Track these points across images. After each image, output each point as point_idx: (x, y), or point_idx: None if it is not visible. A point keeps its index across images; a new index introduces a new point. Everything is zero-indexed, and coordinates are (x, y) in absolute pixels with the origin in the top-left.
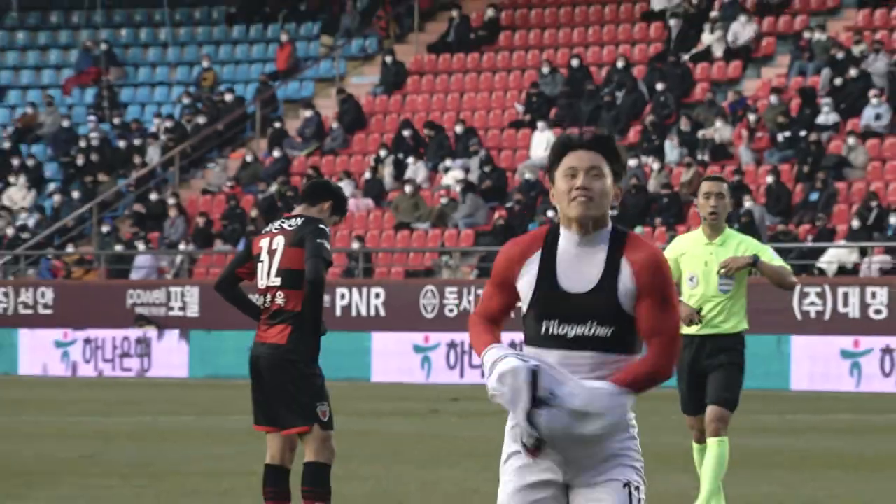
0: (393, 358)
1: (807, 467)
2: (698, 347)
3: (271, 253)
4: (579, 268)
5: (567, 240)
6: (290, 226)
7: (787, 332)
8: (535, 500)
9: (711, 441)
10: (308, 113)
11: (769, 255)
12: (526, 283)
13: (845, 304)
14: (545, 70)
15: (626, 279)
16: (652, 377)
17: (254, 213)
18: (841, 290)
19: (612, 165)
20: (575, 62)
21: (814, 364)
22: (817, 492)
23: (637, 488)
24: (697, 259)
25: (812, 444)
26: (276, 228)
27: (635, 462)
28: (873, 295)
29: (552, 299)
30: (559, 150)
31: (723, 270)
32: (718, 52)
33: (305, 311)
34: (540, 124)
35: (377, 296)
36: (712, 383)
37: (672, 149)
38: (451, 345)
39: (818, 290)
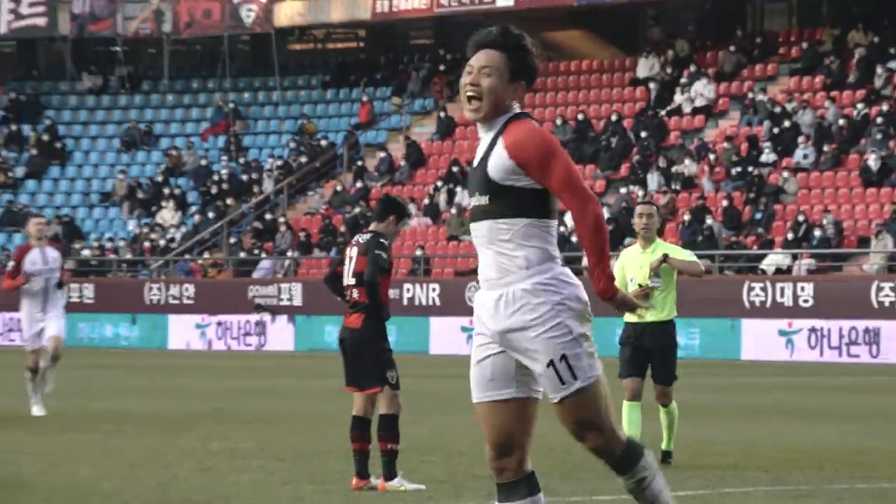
0: (446, 336)
1: (752, 417)
2: (640, 331)
3: (350, 259)
4: (479, 151)
5: (477, 127)
6: (362, 240)
7: (738, 317)
8: None
9: (663, 410)
10: (382, 154)
11: (686, 255)
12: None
13: (781, 295)
14: (558, 122)
15: (498, 155)
16: (593, 229)
17: (342, 228)
18: (778, 285)
19: (512, 64)
20: (580, 116)
21: (758, 340)
22: (759, 436)
23: None
24: (635, 264)
25: (756, 399)
26: (354, 241)
27: None
28: (802, 289)
29: (469, 177)
30: (470, 48)
31: (650, 271)
32: (687, 108)
33: (370, 303)
34: None
35: (434, 290)
36: (655, 367)
37: (653, 180)
38: None
39: (761, 285)
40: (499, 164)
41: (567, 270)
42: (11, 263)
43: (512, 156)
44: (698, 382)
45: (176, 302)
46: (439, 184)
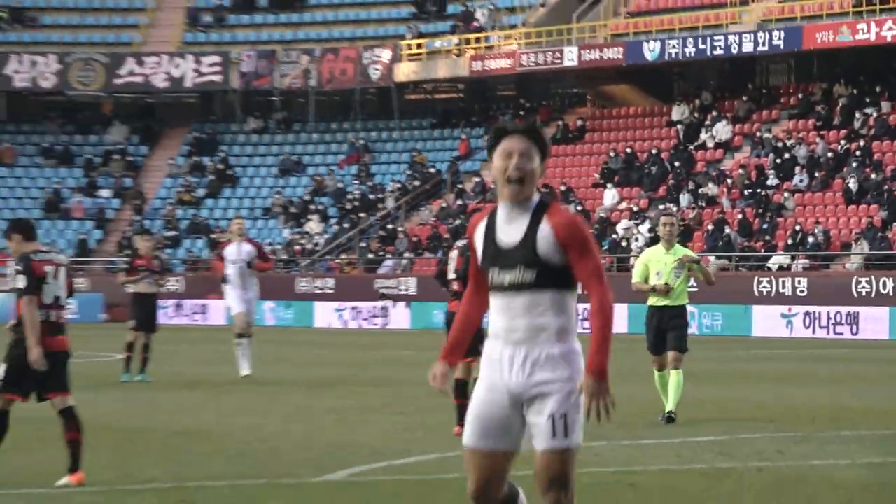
0: None
1: (760, 381)
2: (661, 313)
3: (451, 259)
4: (510, 228)
5: (503, 207)
6: (460, 244)
7: (750, 304)
8: None
9: (673, 372)
10: (476, 179)
11: (698, 263)
12: (476, 244)
13: (783, 287)
14: (611, 154)
15: (546, 234)
16: (608, 317)
17: (446, 235)
18: (780, 279)
19: (540, 151)
20: (628, 150)
21: (765, 322)
22: (766, 395)
23: None
24: (660, 262)
25: (763, 367)
26: (454, 246)
27: None
28: (798, 282)
29: (493, 252)
30: (497, 134)
31: (682, 259)
32: (710, 144)
33: (461, 293)
34: (609, 186)
35: None
36: (670, 338)
37: (684, 199)
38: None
39: (767, 279)
40: (547, 242)
41: (579, 346)
42: (218, 253)
43: (559, 235)
44: (720, 354)
45: (320, 291)
46: None
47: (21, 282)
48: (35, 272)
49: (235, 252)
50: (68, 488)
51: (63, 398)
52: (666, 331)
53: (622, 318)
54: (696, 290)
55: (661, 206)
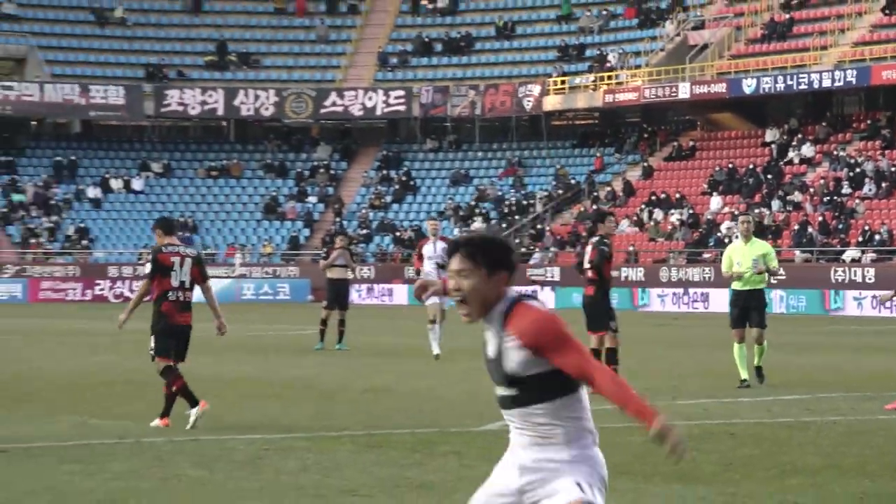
0: (648, 299)
1: (835, 352)
2: (745, 295)
3: (586, 253)
4: (488, 341)
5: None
6: (593, 241)
7: (829, 289)
8: None
9: (757, 347)
10: (608, 188)
11: (772, 255)
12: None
13: (854, 275)
14: (716, 168)
15: (512, 349)
16: (614, 390)
17: (583, 234)
18: (853, 269)
19: (484, 260)
20: (730, 165)
21: (840, 303)
22: (841, 365)
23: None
24: (739, 253)
25: (839, 340)
26: (589, 241)
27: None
28: (867, 271)
29: (487, 366)
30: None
31: (759, 268)
32: (796, 161)
33: (599, 279)
34: (714, 194)
35: (640, 271)
36: (753, 318)
37: (775, 205)
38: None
39: (842, 269)
40: (515, 358)
41: (598, 452)
42: (417, 251)
43: (527, 343)
44: (803, 330)
45: None
46: (643, 206)
47: (147, 268)
48: (161, 262)
49: (432, 249)
50: (188, 429)
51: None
52: (748, 310)
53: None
54: (784, 277)
55: (762, 212)
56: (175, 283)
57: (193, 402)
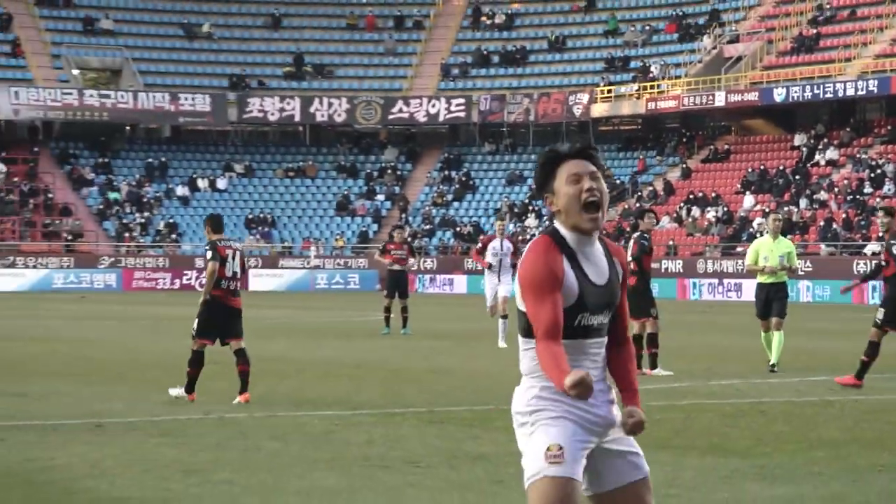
0: (688, 289)
1: (857, 337)
2: (769, 288)
3: (629, 246)
4: (595, 264)
5: (576, 241)
6: (635, 236)
7: (850, 280)
8: None
9: (776, 333)
10: (650, 188)
11: (794, 254)
12: (569, 282)
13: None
14: (749, 170)
15: (619, 272)
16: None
17: (627, 229)
18: (872, 261)
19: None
20: (762, 167)
21: (863, 293)
22: (863, 348)
23: None
24: (767, 248)
25: (861, 326)
26: (631, 236)
27: None
28: (886, 263)
29: (589, 293)
30: (553, 159)
31: (784, 266)
32: (822, 163)
33: (640, 270)
34: (747, 193)
35: (679, 263)
36: (775, 307)
37: (803, 203)
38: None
39: (864, 261)
40: (620, 280)
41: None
42: (479, 245)
43: (626, 273)
44: (828, 317)
45: None
46: (681, 204)
47: (209, 254)
48: (219, 253)
49: (498, 246)
50: (266, 409)
51: (237, 342)
52: (772, 301)
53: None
54: (810, 269)
55: (790, 209)
56: (229, 273)
57: (190, 389)
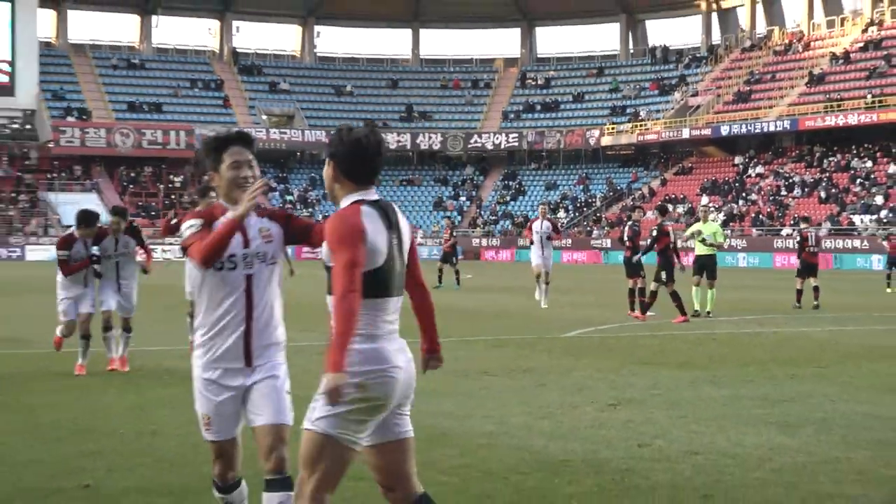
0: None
1: (782, 291)
2: (704, 257)
3: (625, 230)
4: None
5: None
6: (629, 223)
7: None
8: None
9: (710, 292)
10: (640, 192)
11: (720, 232)
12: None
13: (788, 244)
14: (705, 179)
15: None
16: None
17: (624, 219)
18: (787, 241)
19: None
20: (713, 178)
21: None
22: (786, 297)
23: None
24: (700, 227)
25: (782, 283)
26: (626, 223)
27: None
28: (793, 242)
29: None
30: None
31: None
32: (753, 175)
33: (633, 246)
34: (704, 195)
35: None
36: (709, 272)
37: (741, 201)
38: None
39: (780, 240)
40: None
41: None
42: (528, 225)
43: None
44: (756, 277)
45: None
46: (660, 202)
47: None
48: None
49: (539, 225)
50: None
51: None
52: (705, 266)
53: None
54: (745, 245)
55: (715, 206)
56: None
57: None
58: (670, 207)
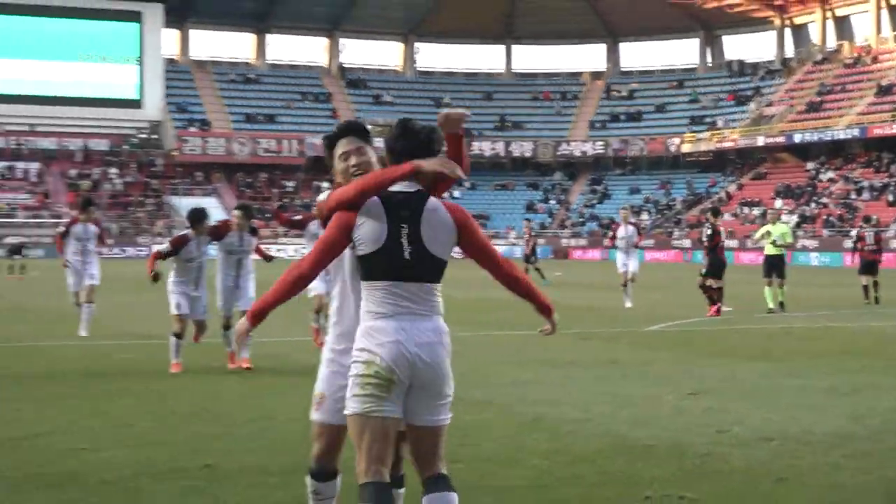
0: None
1: (853, 286)
2: (772, 257)
3: (704, 230)
4: None
5: None
6: (707, 224)
7: None
8: None
9: (779, 290)
10: (717, 195)
11: (788, 233)
12: None
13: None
14: (779, 184)
15: None
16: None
17: (704, 220)
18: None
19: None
20: (787, 182)
21: None
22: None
23: None
24: (770, 228)
25: (851, 279)
26: (706, 224)
27: None
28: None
29: None
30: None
31: (780, 243)
32: (824, 179)
33: (712, 246)
34: (778, 199)
35: (733, 243)
36: (778, 271)
37: (812, 204)
38: None
39: (849, 241)
40: None
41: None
42: (611, 234)
43: None
44: (827, 274)
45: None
46: (737, 206)
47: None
48: None
49: (623, 231)
50: None
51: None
52: (773, 266)
53: None
54: (817, 244)
55: (788, 209)
56: None
57: None
58: (745, 209)
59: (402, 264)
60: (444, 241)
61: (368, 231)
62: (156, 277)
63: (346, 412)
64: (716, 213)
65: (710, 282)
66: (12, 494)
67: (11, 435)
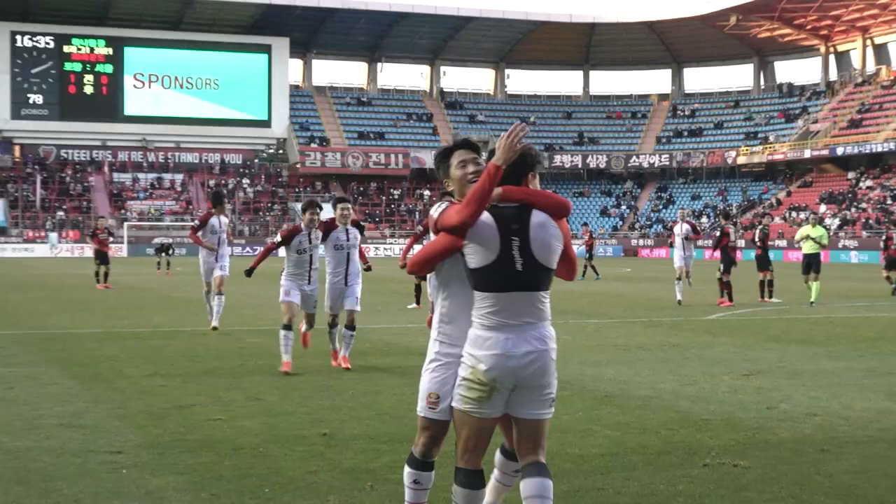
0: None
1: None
2: (809, 256)
3: (757, 231)
4: None
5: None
6: (759, 227)
7: None
8: None
9: (814, 284)
10: (769, 201)
11: (825, 235)
12: None
13: None
14: (823, 191)
15: None
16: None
17: (757, 223)
18: None
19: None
20: (830, 190)
21: None
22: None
23: None
24: (808, 230)
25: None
26: (759, 226)
27: None
28: None
29: None
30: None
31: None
32: (864, 187)
33: (763, 245)
34: (822, 205)
35: (782, 243)
36: (814, 268)
37: (853, 209)
38: None
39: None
40: None
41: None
42: (669, 228)
43: None
44: (866, 271)
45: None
46: (787, 210)
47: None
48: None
49: (679, 228)
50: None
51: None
52: (811, 264)
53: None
54: (857, 244)
55: (832, 213)
56: None
57: None
58: (794, 213)
59: (514, 276)
60: (552, 249)
61: (480, 246)
62: (249, 273)
63: (452, 403)
64: (726, 216)
65: (768, 275)
66: (159, 457)
67: (161, 405)
